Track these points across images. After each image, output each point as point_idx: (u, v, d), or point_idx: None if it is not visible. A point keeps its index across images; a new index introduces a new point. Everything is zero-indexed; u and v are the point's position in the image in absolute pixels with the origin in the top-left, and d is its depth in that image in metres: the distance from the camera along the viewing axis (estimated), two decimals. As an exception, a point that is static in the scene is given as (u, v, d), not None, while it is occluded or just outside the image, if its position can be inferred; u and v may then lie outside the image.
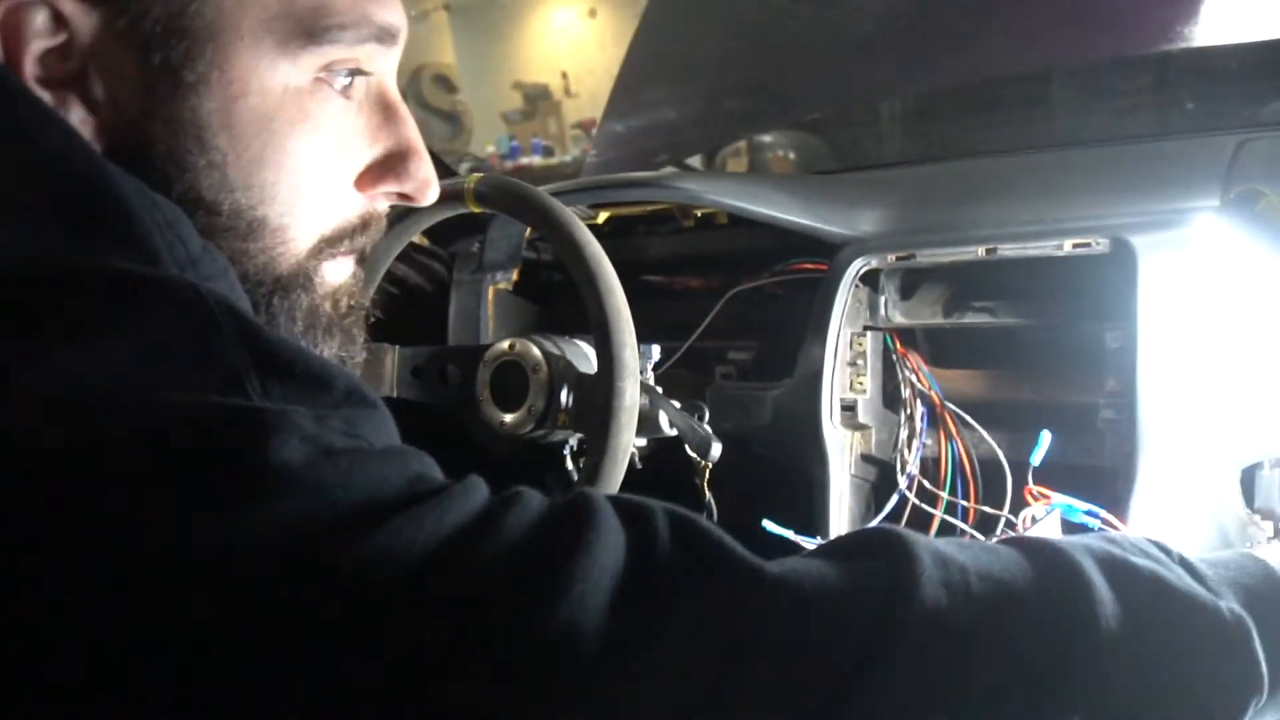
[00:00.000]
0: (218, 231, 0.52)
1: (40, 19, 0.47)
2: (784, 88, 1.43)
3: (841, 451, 1.06)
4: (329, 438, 0.40)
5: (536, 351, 1.03)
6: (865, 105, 1.58)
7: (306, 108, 0.52)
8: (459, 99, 7.94)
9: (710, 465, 1.06)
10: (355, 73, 0.54)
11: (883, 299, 1.08)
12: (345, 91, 0.54)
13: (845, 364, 1.06)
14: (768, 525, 0.99)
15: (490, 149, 7.53)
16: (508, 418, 1.04)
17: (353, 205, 0.57)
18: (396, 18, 0.55)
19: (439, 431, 1.34)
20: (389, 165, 0.58)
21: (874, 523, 1.04)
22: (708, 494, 1.07)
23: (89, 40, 0.49)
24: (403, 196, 0.59)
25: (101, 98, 0.50)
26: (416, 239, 1.38)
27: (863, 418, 1.07)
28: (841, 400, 1.07)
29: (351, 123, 0.56)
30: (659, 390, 1.06)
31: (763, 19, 1.44)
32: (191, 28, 0.49)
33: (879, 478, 1.09)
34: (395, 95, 0.58)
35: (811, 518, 1.05)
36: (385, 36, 0.54)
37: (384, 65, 0.57)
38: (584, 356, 1.07)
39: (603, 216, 1.31)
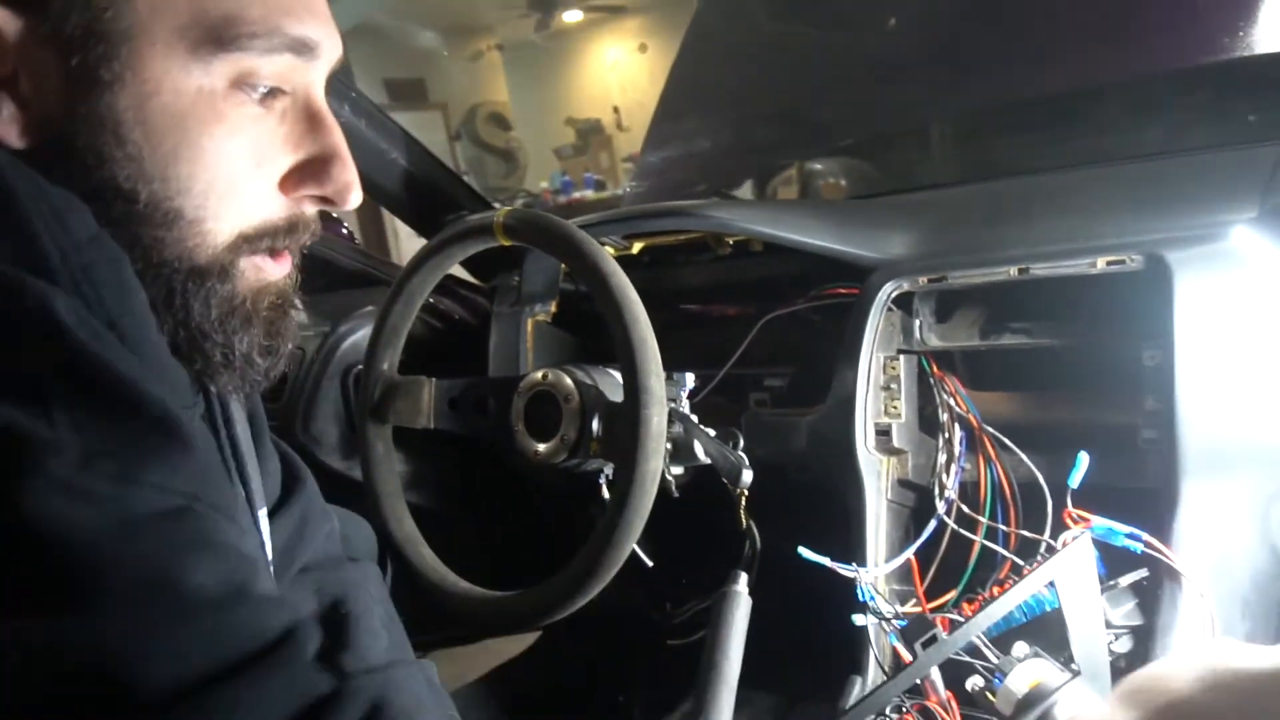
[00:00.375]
0: (136, 219, 0.55)
1: None
2: (816, 115, 1.43)
3: (877, 477, 1.05)
4: (87, 482, 0.42)
5: (568, 381, 1.04)
6: (909, 128, 1.58)
7: (220, 110, 0.55)
8: (513, 136, 8.08)
9: (745, 493, 1.06)
10: (275, 91, 0.58)
11: (917, 322, 1.07)
12: (264, 102, 0.58)
13: (879, 388, 1.05)
14: (804, 553, 0.98)
15: (544, 184, 7.64)
16: (541, 447, 1.05)
17: (276, 206, 0.60)
18: (314, 32, 0.58)
19: (479, 462, 1.37)
20: (311, 170, 0.61)
21: (913, 548, 1.03)
22: (745, 522, 1.07)
23: (15, 43, 0.53)
24: (324, 200, 0.62)
25: (29, 95, 0.54)
26: (459, 274, 1.41)
27: (898, 442, 1.06)
28: (876, 425, 1.06)
29: (272, 129, 0.59)
30: (693, 418, 1.07)
31: (793, 48, 1.45)
32: (107, 31, 0.53)
33: (917, 503, 1.08)
34: (320, 104, 0.61)
35: (849, 544, 1.04)
36: (300, 49, 0.58)
37: (308, 77, 0.60)
38: (616, 385, 1.08)
39: (638, 247, 1.33)
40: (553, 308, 1.37)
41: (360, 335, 1.42)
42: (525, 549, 1.50)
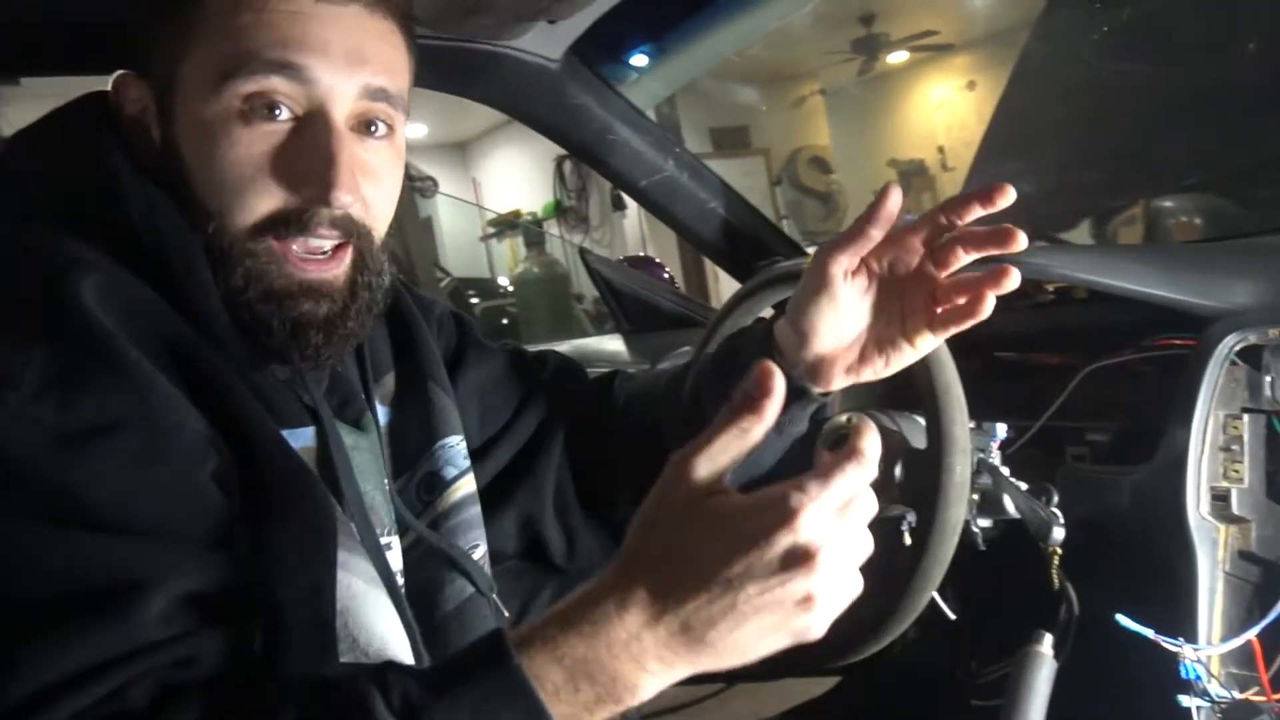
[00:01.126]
0: (192, 215, 0.72)
1: (132, 90, 0.75)
2: (1149, 155, 1.34)
3: (1213, 545, 0.96)
4: (35, 410, 0.58)
5: (871, 426, 1.05)
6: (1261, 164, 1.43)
7: (231, 127, 0.70)
8: (833, 179, 8.10)
9: (1058, 551, 1.01)
10: (282, 105, 0.71)
11: (1267, 379, 0.97)
12: (271, 119, 0.71)
13: (1216, 448, 0.97)
14: (1123, 621, 0.92)
15: (863, 227, 7.56)
16: (843, 490, 1.06)
17: (280, 201, 0.72)
18: (297, 58, 0.70)
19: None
20: (308, 173, 0.72)
21: (1257, 629, 0.93)
22: (1057, 581, 1.02)
23: (142, 99, 0.75)
24: (315, 199, 0.72)
25: (153, 129, 0.75)
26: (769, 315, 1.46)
27: (1239, 509, 0.96)
28: (1212, 489, 0.97)
29: (278, 141, 0.71)
30: (1003, 470, 1.03)
31: (1131, 84, 1.36)
32: (175, 80, 0.72)
33: (1263, 578, 0.97)
34: (330, 120, 0.72)
35: (1177, 617, 0.96)
36: (284, 70, 0.70)
37: (314, 96, 0.72)
38: (920, 431, 1.07)
39: (951, 292, 1.30)
40: (860, 352, 1.38)
41: (675, 373, 1.50)
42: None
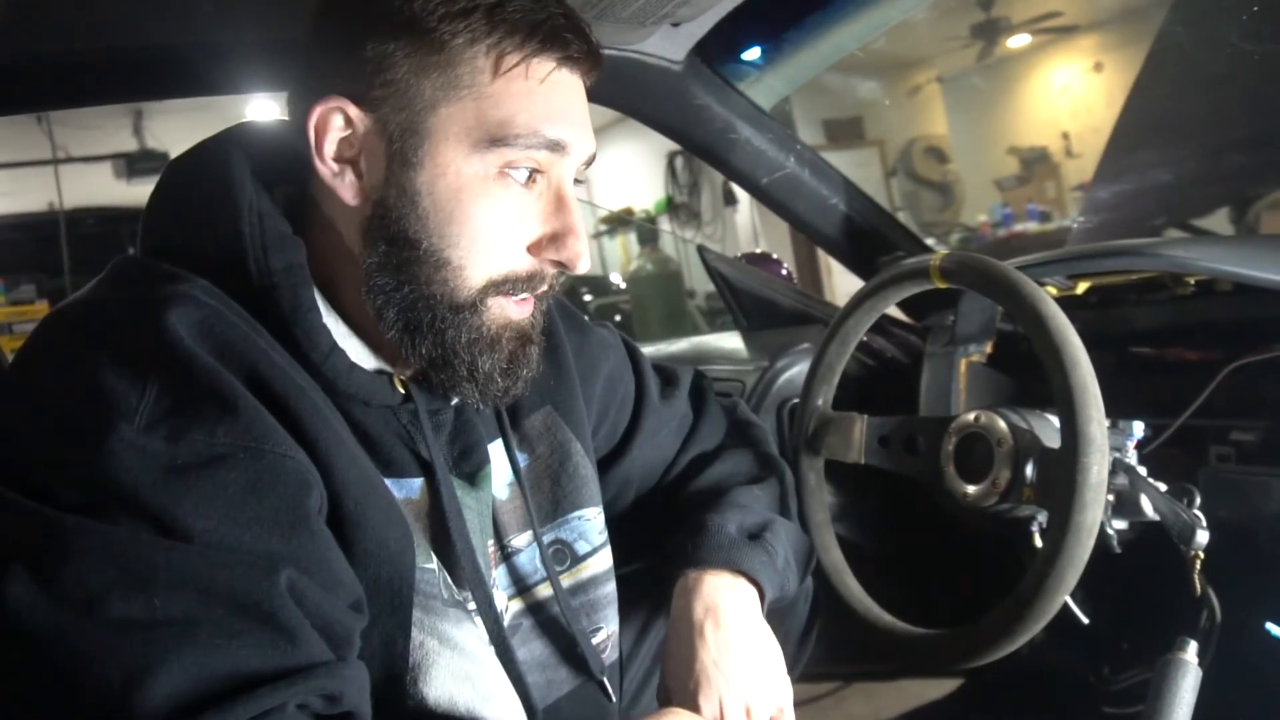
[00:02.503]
0: (416, 261, 0.73)
1: (339, 118, 0.73)
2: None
3: (1373, 552, 0.91)
4: (144, 440, 0.60)
5: (1002, 424, 1.03)
6: None
7: (488, 189, 0.73)
8: (950, 169, 7.89)
9: (1200, 555, 0.97)
10: (535, 172, 0.74)
11: None
12: (526, 183, 0.74)
13: (1379, 450, 0.92)
14: (1272, 629, 0.88)
15: (982, 218, 7.36)
16: (971, 489, 1.05)
17: (522, 262, 0.76)
18: (566, 135, 0.74)
19: (906, 499, 1.38)
20: (552, 239, 0.76)
21: None
22: (1199, 588, 0.98)
23: (362, 133, 0.73)
24: (558, 264, 0.77)
25: (365, 170, 0.74)
26: (893, 313, 1.44)
27: (1404, 515, 0.91)
28: (1373, 492, 0.92)
29: (528, 205, 0.75)
30: (1141, 470, 1.00)
31: (1269, 69, 1.29)
32: (419, 129, 0.72)
33: None
34: (566, 190, 0.77)
35: (1333, 627, 0.92)
36: (554, 147, 0.74)
37: (561, 169, 0.76)
38: (1052, 430, 1.05)
39: (1083, 286, 1.27)
40: (988, 348, 1.35)
41: (795, 371, 1.50)
42: (948, 589, 1.49)
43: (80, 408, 0.61)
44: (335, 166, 0.74)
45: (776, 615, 1.05)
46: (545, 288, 0.79)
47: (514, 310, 0.78)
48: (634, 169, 8.12)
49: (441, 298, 0.74)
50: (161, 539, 0.59)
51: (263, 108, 6.22)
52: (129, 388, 0.61)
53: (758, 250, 2.76)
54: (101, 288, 0.71)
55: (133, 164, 6.70)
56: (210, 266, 0.71)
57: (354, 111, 0.73)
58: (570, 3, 0.77)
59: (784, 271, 1.76)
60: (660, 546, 0.97)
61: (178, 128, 6.87)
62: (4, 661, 0.57)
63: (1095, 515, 0.87)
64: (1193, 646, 0.87)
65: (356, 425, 0.75)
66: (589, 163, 0.79)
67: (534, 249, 0.76)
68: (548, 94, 0.73)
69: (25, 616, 0.56)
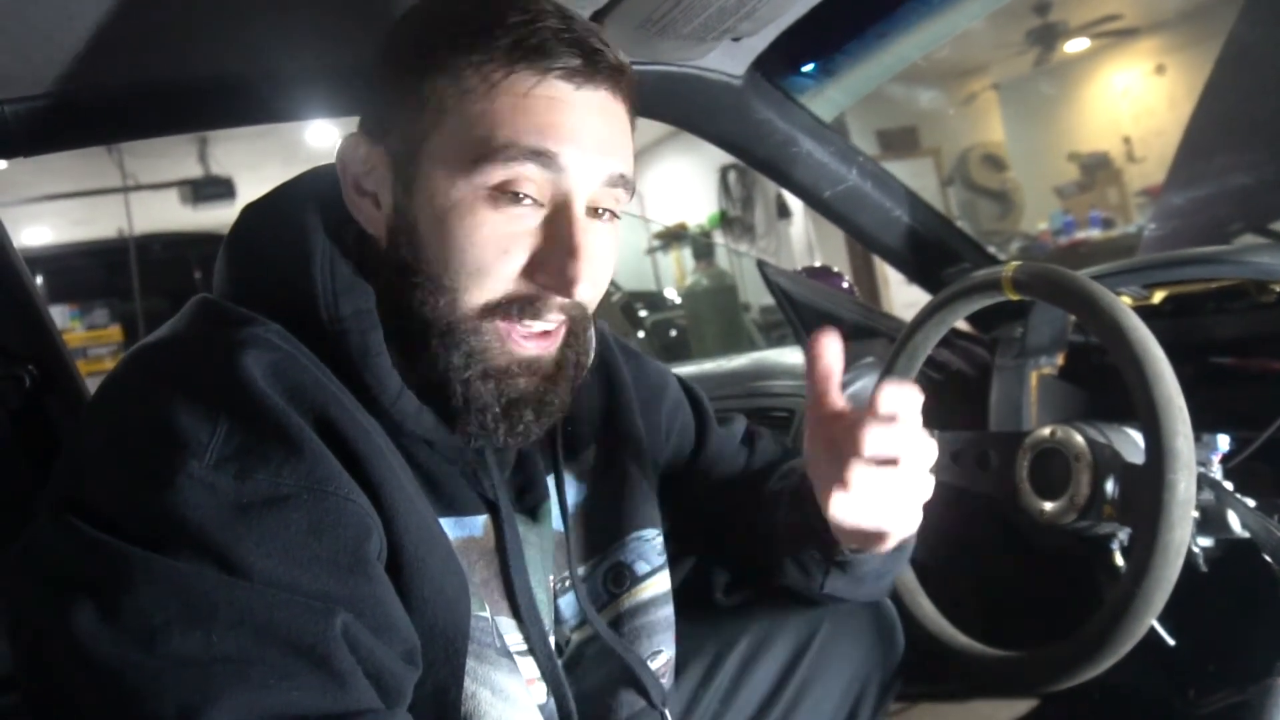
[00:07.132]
0: (414, 288, 0.73)
1: (361, 149, 0.75)
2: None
3: None
4: (212, 478, 0.60)
5: (1079, 439, 1.00)
6: None
7: (477, 210, 0.71)
8: (1008, 176, 7.78)
9: (1294, 574, 0.94)
10: (529, 198, 0.72)
11: None
12: (519, 203, 0.72)
13: None
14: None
15: (1042, 225, 7.23)
16: (1048, 507, 1.02)
17: (516, 286, 0.73)
18: (552, 145, 0.71)
19: (980, 517, 1.35)
20: (548, 262, 0.73)
21: None
22: (1294, 608, 0.95)
23: (375, 166, 0.75)
24: (553, 288, 0.73)
25: (380, 199, 0.75)
26: (960, 326, 1.42)
27: None
28: None
29: (522, 226, 0.72)
30: (1227, 485, 0.97)
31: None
32: (418, 157, 0.72)
33: None
34: (573, 212, 0.73)
35: None
36: (540, 159, 0.71)
37: (562, 185, 0.73)
38: (1133, 445, 1.02)
39: (1159, 295, 1.23)
40: (1059, 360, 1.32)
41: (860, 385, 1.48)
42: (1024, 610, 1.45)
43: (152, 443, 0.62)
44: (358, 200, 0.76)
45: (871, 639, 1.06)
46: (562, 316, 0.76)
47: (526, 343, 0.75)
48: (687, 183, 8.13)
49: (439, 322, 0.73)
50: (224, 575, 0.59)
51: (321, 131, 6.35)
52: (200, 425, 0.62)
53: (815, 264, 2.74)
54: (179, 327, 0.72)
55: (198, 190, 6.88)
56: (284, 311, 0.71)
57: (367, 144, 0.75)
58: (628, 21, 0.75)
59: (845, 285, 1.73)
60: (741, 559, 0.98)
61: (241, 152, 7.07)
62: (65, 687, 0.58)
63: (1184, 533, 0.84)
64: (1292, 671, 0.83)
65: (419, 466, 0.75)
66: (617, 184, 0.75)
67: (527, 271, 0.73)
68: (531, 106, 0.71)
69: (88, 645, 0.57)
